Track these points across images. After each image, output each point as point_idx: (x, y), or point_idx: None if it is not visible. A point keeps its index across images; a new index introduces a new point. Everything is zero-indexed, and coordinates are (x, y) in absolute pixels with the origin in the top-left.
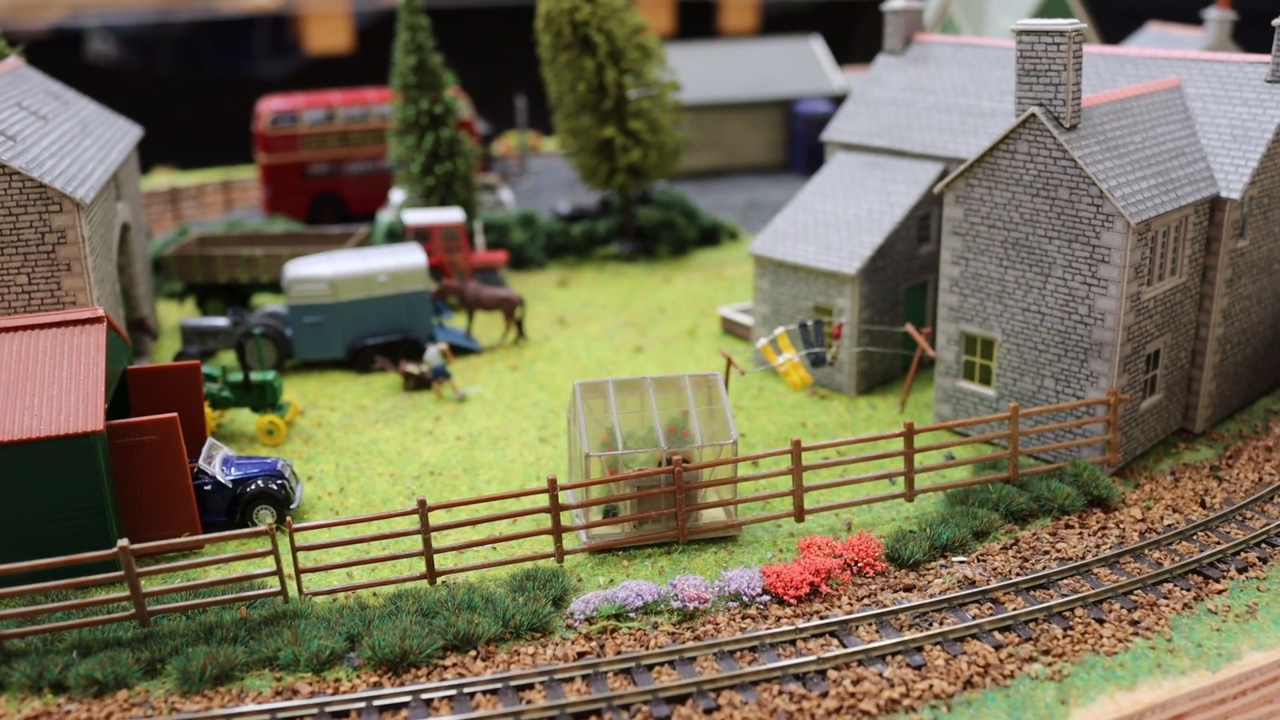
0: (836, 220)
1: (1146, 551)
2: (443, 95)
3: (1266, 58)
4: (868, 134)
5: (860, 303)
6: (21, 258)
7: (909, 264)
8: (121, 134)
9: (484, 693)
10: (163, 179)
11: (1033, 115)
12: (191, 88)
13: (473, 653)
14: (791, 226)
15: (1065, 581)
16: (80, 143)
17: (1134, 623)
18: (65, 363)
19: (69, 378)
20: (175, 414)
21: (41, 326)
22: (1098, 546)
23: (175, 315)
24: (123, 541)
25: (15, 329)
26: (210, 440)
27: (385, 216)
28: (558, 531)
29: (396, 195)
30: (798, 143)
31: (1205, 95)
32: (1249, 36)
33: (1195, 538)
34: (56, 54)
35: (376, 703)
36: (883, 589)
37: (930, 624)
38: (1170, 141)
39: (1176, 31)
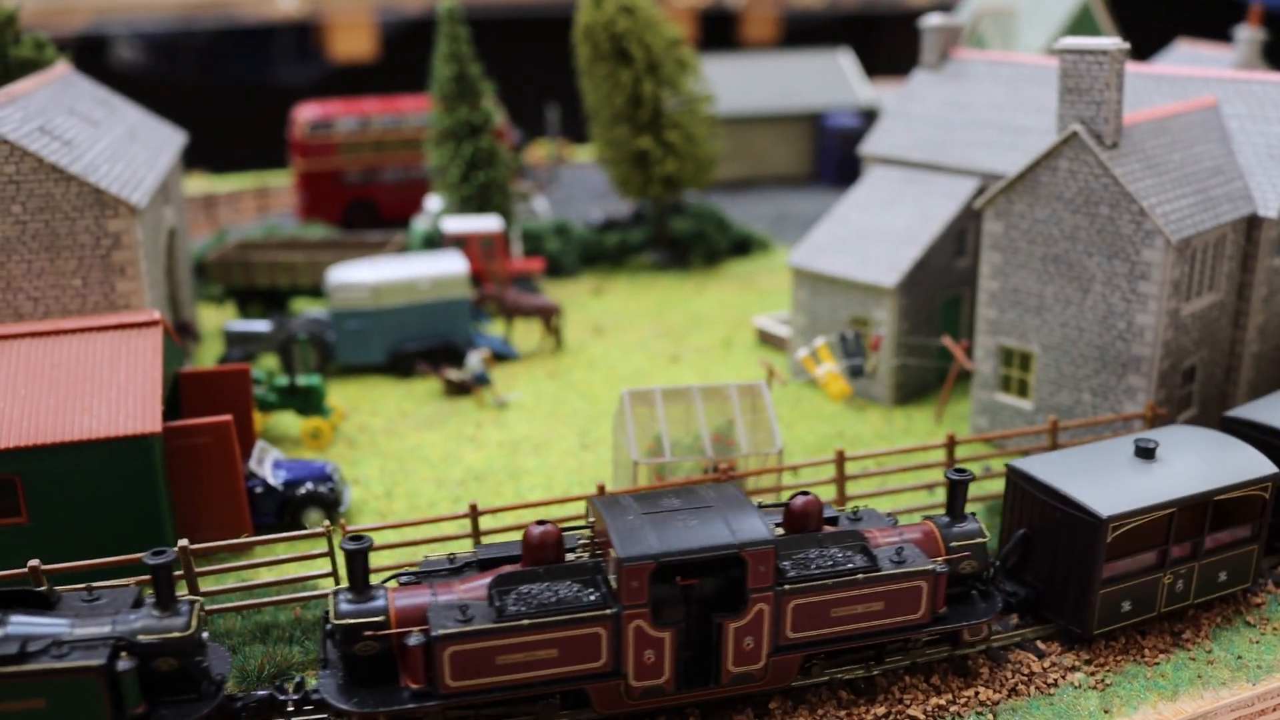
0: (874, 233)
1: None
2: (481, 105)
3: None
4: (905, 148)
5: (898, 315)
6: (77, 261)
7: (945, 277)
8: (167, 140)
9: None
10: (198, 184)
11: (1074, 133)
12: (215, 94)
13: None
14: (830, 239)
15: None
16: (130, 148)
17: (1175, 634)
18: (123, 365)
19: (126, 380)
20: (230, 417)
21: (99, 329)
22: None
23: (214, 319)
24: (183, 541)
25: (73, 331)
26: (260, 443)
27: (420, 223)
28: None
29: (431, 202)
30: (827, 155)
31: (1242, 114)
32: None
33: None
34: (81, 60)
35: None
36: None
37: None
38: (1209, 160)
39: (1207, 50)
